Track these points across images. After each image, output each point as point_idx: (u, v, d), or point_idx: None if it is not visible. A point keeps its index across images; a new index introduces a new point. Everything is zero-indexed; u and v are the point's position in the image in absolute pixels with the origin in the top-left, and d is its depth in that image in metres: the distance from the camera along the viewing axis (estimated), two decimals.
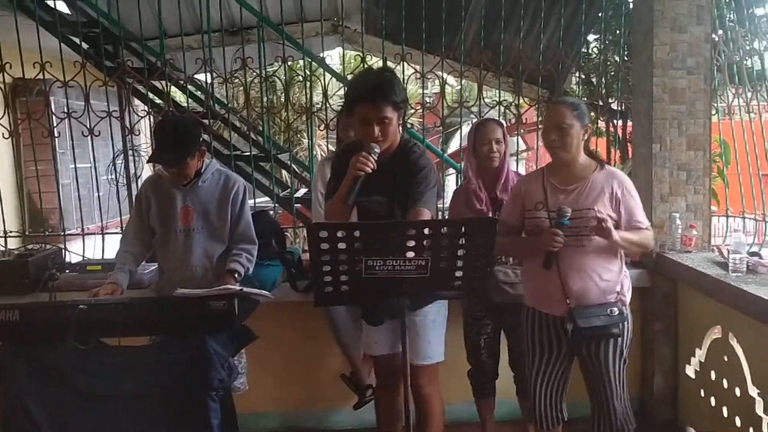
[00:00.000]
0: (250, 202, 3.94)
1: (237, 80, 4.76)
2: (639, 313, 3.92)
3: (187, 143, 3.08)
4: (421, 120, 5.53)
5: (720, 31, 4.24)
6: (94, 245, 4.58)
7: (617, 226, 2.78)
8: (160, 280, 3.25)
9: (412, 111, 5.19)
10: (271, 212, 4.66)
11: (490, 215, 3.27)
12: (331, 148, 4.18)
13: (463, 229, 2.23)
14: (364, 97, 2.65)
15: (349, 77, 5.21)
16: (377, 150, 2.64)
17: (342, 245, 2.12)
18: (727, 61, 4.14)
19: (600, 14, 5.04)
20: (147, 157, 4.65)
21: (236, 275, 3.11)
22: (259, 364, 3.58)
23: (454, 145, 7.58)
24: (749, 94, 4.16)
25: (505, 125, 3.45)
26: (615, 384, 2.87)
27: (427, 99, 5.93)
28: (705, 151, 3.85)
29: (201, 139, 3.26)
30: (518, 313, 3.12)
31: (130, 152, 5.16)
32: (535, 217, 2.87)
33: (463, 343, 3.50)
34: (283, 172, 6.17)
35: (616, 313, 2.79)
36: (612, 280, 2.84)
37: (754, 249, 3.75)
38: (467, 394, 3.60)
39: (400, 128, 2.82)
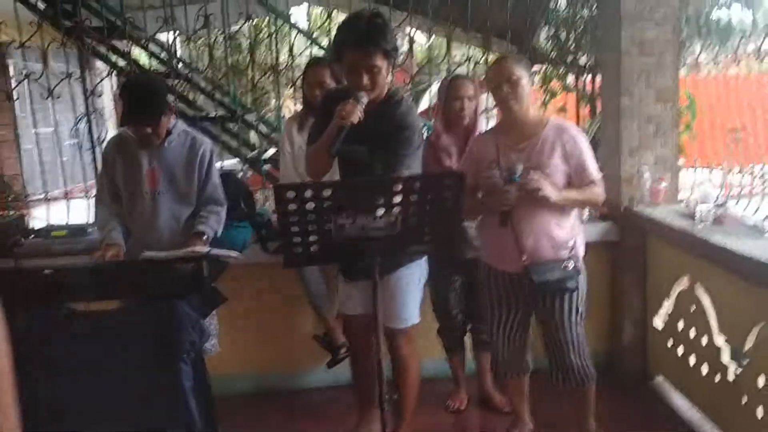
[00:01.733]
0: (218, 164, 3.89)
1: (201, 39, 4.65)
2: (609, 266, 3.96)
3: (159, 100, 3.03)
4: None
5: None
6: (60, 210, 4.50)
7: (569, 180, 2.80)
8: (128, 243, 3.19)
9: None
10: (240, 174, 4.60)
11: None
12: (299, 107, 4.10)
13: (431, 184, 2.21)
14: (355, 43, 2.55)
15: (316, 34, 5.13)
16: (365, 100, 2.56)
17: (310, 205, 2.08)
18: (694, 14, 4.12)
19: None
20: (109, 120, 4.57)
21: (204, 237, 3.07)
22: (231, 325, 3.57)
23: (423, 104, 7.51)
24: (716, 48, 4.16)
25: (476, 81, 3.42)
26: (571, 337, 2.90)
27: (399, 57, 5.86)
28: (673, 104, 3.85)
29: (167, 97, 3.18)
30: (475, 264, 3.15)
31: (92, 115, 5.04)
32: (489, 177, 2.86)
33: (430, 300, 3.51)
34: (251, 132, 6.09)
35: (571, 267, 2.82)
36: (565, 236, 2.86)
37: (721, 200, 3.78)
38: (437, 352, 3.65)
39: (390, 77, 2.71)
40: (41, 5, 4.54)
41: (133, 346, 2.64)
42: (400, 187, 2.16)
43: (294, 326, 4.02)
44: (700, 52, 4.06)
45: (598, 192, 2.89)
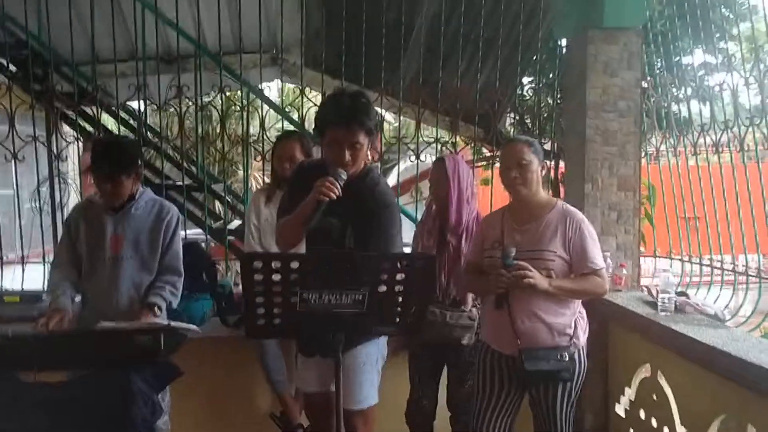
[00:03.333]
0: (182, 233, 3.83)
1: (172, 109, 4.66)
2: None
3: (125, 160, 3.02)
4: None
5: (649, 78, 4.38)
6: (13, 275, 4.36)
7: (569, 267, 2.80)
8: (84, 311, 3.09)
9: None
10: (203, 244, 4.54)
11: (434, 252, 3.27)
12: (267, 180, 4.10)
13: (400, 265, 2.19)
14: (338, 120, 2.56)
15: (287, 109, 5.19)
16: (344, 176, 2.55)
17: (276, 276, 2.05)
18: (655, 106, 4.26)
19: (535, 57, 5.19)
20: (74, 185, 4.50)
21: (156, 309, 2.99)
22: (186, 401, 3.44)
23: (391, 180, 7.59)
24: (676, 139, 4.29)
25: (450, 163, 3.36)
26: (561, 426, 2.87)
27: None
28: (635, 192, 3.95)
29: (139, 161, 3.16)
30: (459, 350, 3.11)
31: (56, 179, 4.97)
32: (491, 256, 2.86)
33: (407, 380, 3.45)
34: (217, 203, 6.06)
35: (567, 358, 2.78)
36: (562, 323, 2.83)
37: (681, 289, 3.84)
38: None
39: (368, 154, 2.72)
40: (12, 68, 4.52)
41: (83, 421, 2.53)
42: (370, 265, 2.15)
43: (250, 403, 3.91)
44: (661, 143, 4.17)
45: (599, 282, 2.85)
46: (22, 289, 4.17)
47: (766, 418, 2.55)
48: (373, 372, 2.89)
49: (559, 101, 5.01)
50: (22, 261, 4.34)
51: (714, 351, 2.77)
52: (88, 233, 3.09)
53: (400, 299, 2.19)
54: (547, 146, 5.18)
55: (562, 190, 4.84)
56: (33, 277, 4.22)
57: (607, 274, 2.91)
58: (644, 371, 3.48)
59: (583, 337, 2.92)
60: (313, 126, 2.84)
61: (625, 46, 3.88)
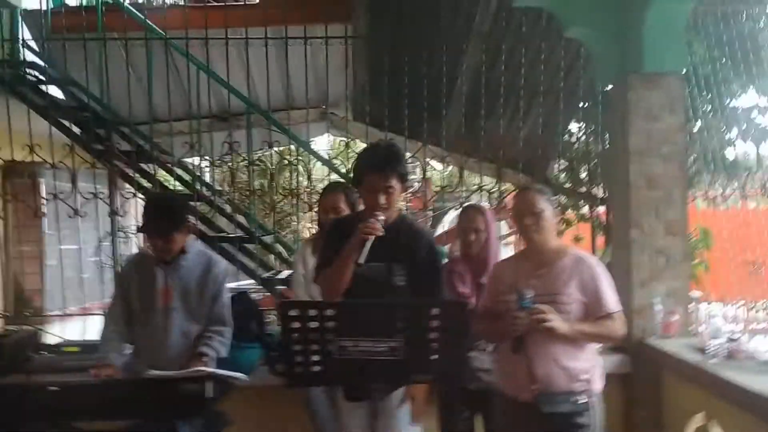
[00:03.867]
0: (234, 284, 3.95)
1: (226, 165, 4.85)
2: (622, 400, 3.86)
3: (176, 216, 3.14)
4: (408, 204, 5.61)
5: (698, 122, 4.36)
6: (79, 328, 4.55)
7: (586, 311, 2.79)
8: (135, 361, 3.19)
9: None
10: (255, 295, 4.64)
11: (474, 300, 3.29)
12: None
13: (434, 312, 2.22)
14: (374, 167, 2.77)
15: (335, 161, 5.32)
16: (382, 218, 2.72)
17: (313, 324, 2.11)
18: (703, 150, 4.23)
19: (580, 104, 5.21)
20: (134, 238, 4.69)
21: (204, 358, 3.06)
22: None
23: (439, 229, 7.61)
24: (725, 183, 4.24)
25: (487, 211, 3.44)
26: None
27: (415, 184, 6.03)
28: (683, 237, 3.89)
29: (188, 216, 3.29)
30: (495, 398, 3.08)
31: (116, 234, 5.19)
32: (505, 300, 2.87)
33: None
34: (271, 255, 6.19)
35: (583, 401, 2.75)
36: (579, 368, 2.79)
37: (734, 335, 3.74)
38: None
39: (403, 202, 2.90)
40: (76, 129, 4.79)
41: None
42: (405, 313, 2.19)
43: None
44: (709, 188, 4.12)
45: (616, 327, 2.81)
46: (83, 339, 4.32)
47: None
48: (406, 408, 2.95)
49: (606, 147, 5.01)
50: (84, 313, 4.52)
51: (765, 398, 2.69)
52: (141, 284, 3.21)
53: (436, 346, 2.22)
54: (597, 191, 5.19)
55: None
56: (97, 329, 4.37)
57: (622, 318, 2.84)
58: (698, 420, 3.38)
59: (599, 383, 2.87)
60: (352, 176, 3.04)
61: (667, 91, 3.87)
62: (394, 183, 2.76)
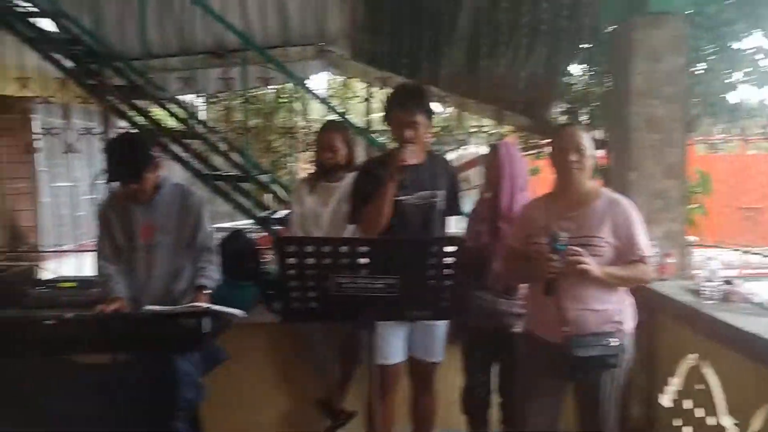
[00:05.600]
0: (229, 223, 3.93)
1: (222, 102, 4.78)
2: None
3: (143, 157, 3.06)
4: None
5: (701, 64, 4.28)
6: (72, 263, 4.55)
7: (617, 255, 2.77)
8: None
9: None
10: (251, 234, 4.64)
11: (485, 239, 3.28)
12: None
13: (432, 250, 2.21)
14: (400, 104, 3.08)
15: (332, 100, 5.25)
16: (412, 149, 2.97)
17: (310, 260, 2.11)
18: (705, 93, 4.17)
19: (582, 45, 5.12)
20: None
21: (204, 290, 3.07)
22: (232, 385, 3.53)
23: None
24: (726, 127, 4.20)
25: (511, 148, 3.38)
26: (607, 414, 2.83)
27: None
28: (682, 180, 3.87)
29: (153, 152, 3.22)
30: (511, 338, 3.11)
31: None
32: (537, 243, 2.84)
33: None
34: (266, 194, 6.17)
35: (614, 343, 2.74)
36: (610, 309, 2.80)
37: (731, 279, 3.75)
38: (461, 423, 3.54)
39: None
40: (68, 64, 4.69)
41: (130, 401, 2.63)
42: (402, 250, 2.18)
43: (297, 389, 3.98)
44: (709, 132, 4.07)
45: (647, 270, 2.82)
46: (78, 275, 4.33)
47: None
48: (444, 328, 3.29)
49: (607, 89, 4.94)
50: (79, 250, 4.51)
51: (759, 340, 2.71)
52: (121, 225, 3.17)
53: (433, 283, 2.21)
54: (597, 134, 5.14)
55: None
56: (89, 265, 4.37)
57: (653, 262, 2.86)
58: (691, 361, 3.42)
59: (631, 324, 2.88)
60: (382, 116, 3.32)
61: (670, 31, 3.79)
62: (419, 118, 3.04)
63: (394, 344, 3.17)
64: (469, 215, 3.56)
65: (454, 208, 3.33)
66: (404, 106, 3.05)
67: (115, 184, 3.13)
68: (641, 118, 3.82)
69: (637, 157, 3.84)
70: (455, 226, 3.46)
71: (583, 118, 5.43)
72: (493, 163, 3.30)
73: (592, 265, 2.68)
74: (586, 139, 2.79)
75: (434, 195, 3.16)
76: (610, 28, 4.53)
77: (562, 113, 6.11)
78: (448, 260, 2.20)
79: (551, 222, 2.80)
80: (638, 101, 3.81)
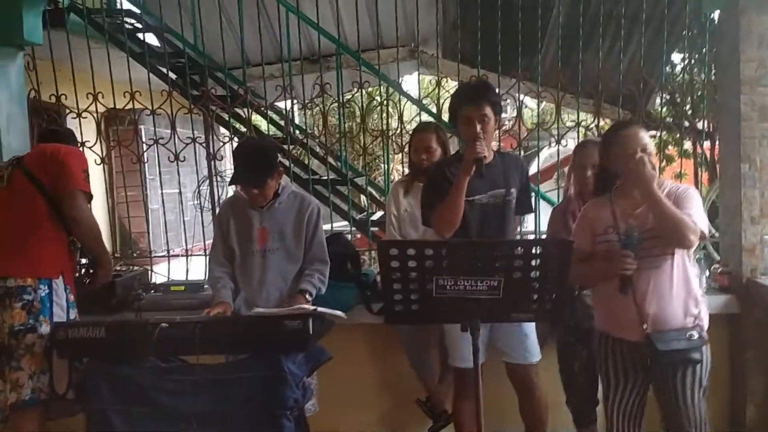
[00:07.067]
0: (327, 226, 4.00)
1: (317, 107, 4.86)
2: (728, 342, 3.74)
3: (268, 164, 3.18)
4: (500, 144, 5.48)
5: None
6: (180, 267, 4.73)
7: None
8: (237, 300, 3.31)
9: None
10: (348, 236, 4.70)
11: None
12: (407, 171, 4.17)
13: (536, 250, 2.18)
14: (467, 99, 3.05)
15: (425, 101, 5.25)
16: (483, 144, 2.94)
17: (412, 263, 2.12)
18: None
19: (684, 32, 4.91)
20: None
21: (307, 295, 3.15)
22: (333, 385, 3.58)
23: (532, 169, 7.46)
24: None
25: None
26: (693, 413, 2.73)
27: (507, 123, 5.89)
28: None
29: (279, 160, 3.33)
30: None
31: (214, 177, 5.33)
32: (607, 241, 2.78)
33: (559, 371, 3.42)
34: (362, 196, 6.24)
35: (696, 337, 2.67)
36: (688, 304, 2.73)
37: None
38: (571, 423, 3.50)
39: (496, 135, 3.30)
40: (172, 75, 4.89)
41: (239, 401, 2.71)
42: (504, 251, 2.17)
43: (395, 389, 4.01)
44: None
45: (692, 228, 2.61)
46: (187, 279, 4.50)
47: None
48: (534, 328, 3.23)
49: (712, 77, 4.71)
50: (186, 254, 4.69)
51: None
52: (238, 228, 3.29)
53: (537, 285, 2.18)
54: (701, 125, 4.92)
55: (718, 170, 4.57)
56: (196, 269, 4.56)
57: (700, 235, 2.65)
58: None
59: (706, 320, 2.79)
60: (448, 116, 3.28)
61: None
62: (488, 112, 3.01)
63: (470, 347, 3.08)
64: (553, 213, 3.48)
65: (526, 206, 3.31)
66: (471, 101, 3.03)
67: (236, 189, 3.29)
68: (752, 107, 3.66)
69: (748, 147, 3.68)
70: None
71: (686, 108, 5.21)
72: (596, 160, 3.20)
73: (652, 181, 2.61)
74: (647, 137, 2.76)
75: (508, 193, 3.13)
76: (715, 14, 4.34)
77: (664, 104, 5.90)
78: (553, 262, 2.15)
79: (619, 219, 2.73)
80: (748, 90, 3.67)
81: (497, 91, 3.22)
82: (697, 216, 2.68)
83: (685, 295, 2.73)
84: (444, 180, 3.04)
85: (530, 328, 3.21)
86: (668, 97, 5.76)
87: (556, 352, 3.40)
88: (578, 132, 4.53)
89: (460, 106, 3.08)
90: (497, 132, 3.70)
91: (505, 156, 3.34)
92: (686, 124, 4.85)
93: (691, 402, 2.73)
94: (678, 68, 5.80)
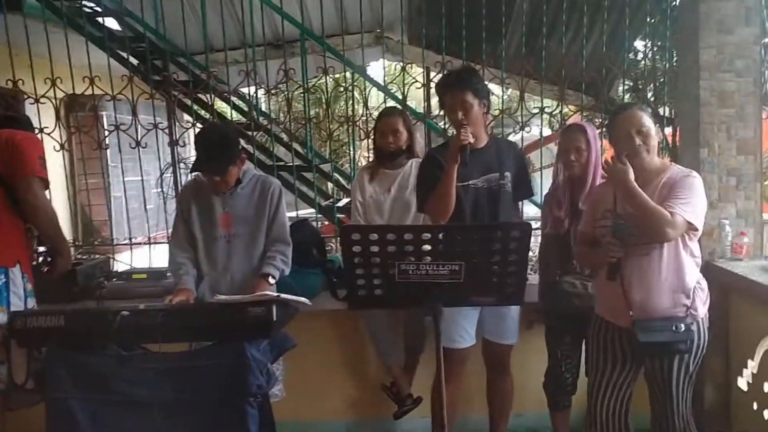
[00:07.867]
0: (293, 212, 3.97)
1: (282, 93, 4.82)
2: None
3: (229, 151, 3.13)
4: None
5: None
6: (144, 256, 4.67)
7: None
8: (201, 287, 3.27)
9: None
10: (315, 222, 4.68)
11: (567, 224, 3.23)
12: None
13: (497, 234, 2.19)
14: (449, 86, 3.09)
15: (391, 87, 5.23)
16: (470, 129, 2.96)
17: (374, 248, 2.12)
18: None
19: (647, 19, 4.96)
20: None
21: (270, 279, 3.13)
22: (298, 372, 3.58)
23: None
24: None
25: (590, 130, 3.27)
26: (677, 401, 2.78)
27: None
28: (756, 156, 3.72)
29: (240, 146, 3.29)
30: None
31: (178, 164, 5.26)
32: (603, 226, 2.79)
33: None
34: (328, 183, 6.22)
35: (683, 329, 2.66)
36: (678, 293, 2.72)
37: None
38: (542, 405, 3.53)
39: (486, 120, 3.31)
40: (133, 60, 4.81)
41: (202, 388, 2.68)
42: (465, 236, 2.17)
43: (361, 375, 4.02)
44: None
45: (669, 221, 2.56)
46: (149, 267, 4.45)
47: None
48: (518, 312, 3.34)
49: (674, 64, 4.77)
50: (149, 242, 4.63)
51: None
52: (200, 214, 3.25)
53: (497, 269, 2.20)
54: (663, 112, 4.99)
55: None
56: (160, 257, 4.50)
57: (681, 227, 2.61)
58: None
59: (702, 309, 2.78)
60: (436, 100, 3.44)
61: (741, 1, 3.64)
62: (469, 98, 3.02)
63: (460, 329, 3.18)
64: (546, 198, 3.50)
65: (524, 191, 3.32)
66: (454, 88, 3.05)
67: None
68: (711, 93, 3.71)
69: (707, 133, 3.73)
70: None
71: (649, 95, 5.27)
72: (578, 144, 3.21)
73: (630, 176, 2.61)
74: (647, 120, 2.73)
75: (502, 177, 3.14)
76: (676, 1, 4.38)
77: (627, 91, 5.96)
78: (513, 246, 2.16)
79: (618, 204, 2.74)
80: (708, 75, 3.71)
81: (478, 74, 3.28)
82: (685, 206, 2.62)
83: (675, 284, 2.72)
84: (437, 167, 3.06)
85: (516, 311, 3.32)
86: (631, 83, 5.82)
87: (538, 338, 3.43)
88: (542, 118, 4.56)
89: (444, 94, 3.12)
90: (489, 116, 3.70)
91: (500, 141, 3.38)
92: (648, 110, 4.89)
93: (676, 389, 2.77)
94: (640, 55, 5.85)
